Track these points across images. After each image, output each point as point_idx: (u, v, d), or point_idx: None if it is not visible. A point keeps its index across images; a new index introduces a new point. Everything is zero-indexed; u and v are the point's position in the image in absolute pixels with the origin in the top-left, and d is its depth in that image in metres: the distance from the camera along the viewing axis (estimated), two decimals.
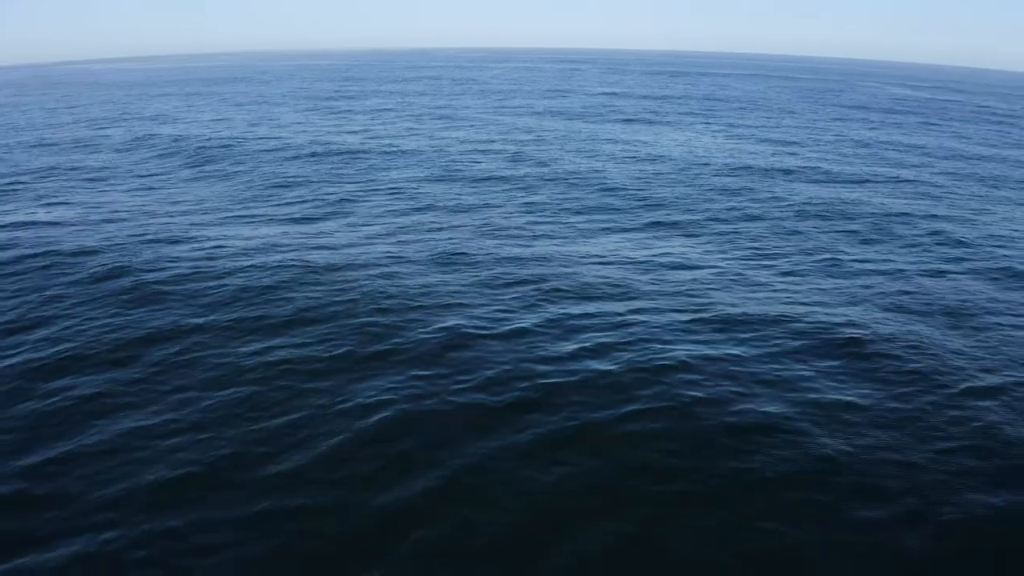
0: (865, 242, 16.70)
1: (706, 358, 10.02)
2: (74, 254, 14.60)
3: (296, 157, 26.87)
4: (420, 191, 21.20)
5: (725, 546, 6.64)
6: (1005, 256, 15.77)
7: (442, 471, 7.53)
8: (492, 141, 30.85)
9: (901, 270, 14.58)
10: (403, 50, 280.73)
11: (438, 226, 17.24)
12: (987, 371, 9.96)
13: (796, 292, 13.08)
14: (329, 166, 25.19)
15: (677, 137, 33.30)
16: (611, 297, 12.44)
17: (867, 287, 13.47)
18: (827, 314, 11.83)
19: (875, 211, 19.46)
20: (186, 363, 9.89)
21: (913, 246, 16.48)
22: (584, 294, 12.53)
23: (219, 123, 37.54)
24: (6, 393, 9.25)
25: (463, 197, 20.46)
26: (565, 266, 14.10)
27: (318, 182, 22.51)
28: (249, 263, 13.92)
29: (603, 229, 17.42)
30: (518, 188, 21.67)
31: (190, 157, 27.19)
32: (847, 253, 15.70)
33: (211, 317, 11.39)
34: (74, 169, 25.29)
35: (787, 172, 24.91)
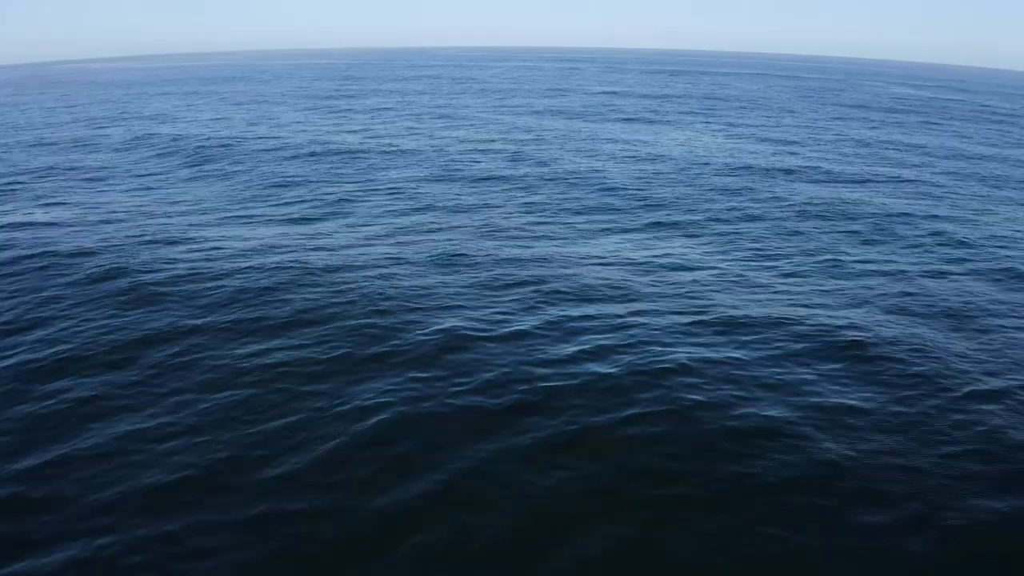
0: (866, 243, 16.63)
1: (707, 361, 9.95)
2: (71, 255, 14.54)
3: (295, 157, 26.81)
4: (419, 191, 21.14)
5: (726, 551, 6.58)
6: (1007, 257, 15.70)
7: (440, 474, 7.47)
8: (492, 141, 30.78)
9: (903, 271, 14.51)
10: (403, 49, 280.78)
11: (437, 226, 17.18)
12: (991, 374, 9.89)
13: (797, 294, 13.01)
14: (328, 166, 25.13)
15: (677, 136, 33.23)
16: (611, 299, 12.37)
17: (869, 288, 13.40)
18: (829, 316, 11.77)
19: (876, 211, 19.40)
20: (183, 365, 9.83)
21: (915, 247, 16.41)
22: (584, 296, 12.46)
23: (218, 122, 37.47)
24: (2, 395, 9.20)
25: (462, 197, 20.40)
26: (565, 267, 14.03)
27: (317, 182, 22.45)
28: (247, 264, 13.86)
29: (603, 229, 17.35)
30: (518, 188, 21.61)
31: (189, 156, 27.14)
32: (848, 254, 15.63)
33: (209, 319, 11.33)
34: (72, 169, 25.23)
35: (788, 172, 24.84)
